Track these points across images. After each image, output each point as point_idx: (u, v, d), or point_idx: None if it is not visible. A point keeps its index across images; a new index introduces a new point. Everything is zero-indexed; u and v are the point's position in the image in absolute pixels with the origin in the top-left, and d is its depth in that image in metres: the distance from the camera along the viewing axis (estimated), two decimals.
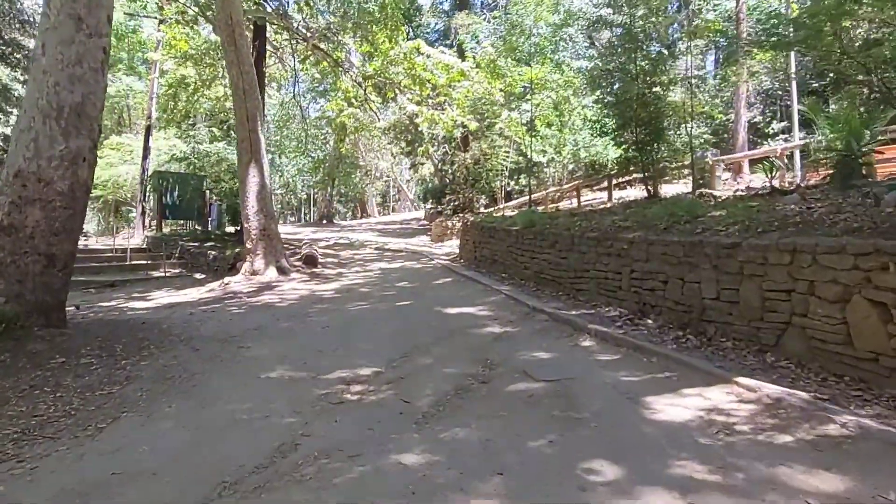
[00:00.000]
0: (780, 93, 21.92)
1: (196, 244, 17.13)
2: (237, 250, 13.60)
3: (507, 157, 19.12)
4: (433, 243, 20.61)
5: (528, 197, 17.36)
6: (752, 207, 6.20)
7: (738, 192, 9.08)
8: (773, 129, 21.02)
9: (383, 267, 13.55)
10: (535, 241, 9.66)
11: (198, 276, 15.03)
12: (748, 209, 6.11)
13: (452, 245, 18.94)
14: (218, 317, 8.06)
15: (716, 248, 5.37)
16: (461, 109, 18.43)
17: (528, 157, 15.35)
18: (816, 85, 17.39)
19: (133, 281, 14.16)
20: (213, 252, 15.28)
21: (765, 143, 20.47)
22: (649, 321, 6.25)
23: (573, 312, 7.03)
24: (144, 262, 16.88)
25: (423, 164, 39.58)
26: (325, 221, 38.03)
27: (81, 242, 21.28)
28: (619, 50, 10.68)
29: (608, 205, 12.47)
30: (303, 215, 54.49)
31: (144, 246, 19.32)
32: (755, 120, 21.41)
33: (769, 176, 8.93)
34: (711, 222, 6.03)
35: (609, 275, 7.36)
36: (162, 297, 11.07)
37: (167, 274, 15.12)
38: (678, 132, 10.75)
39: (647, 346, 5.23)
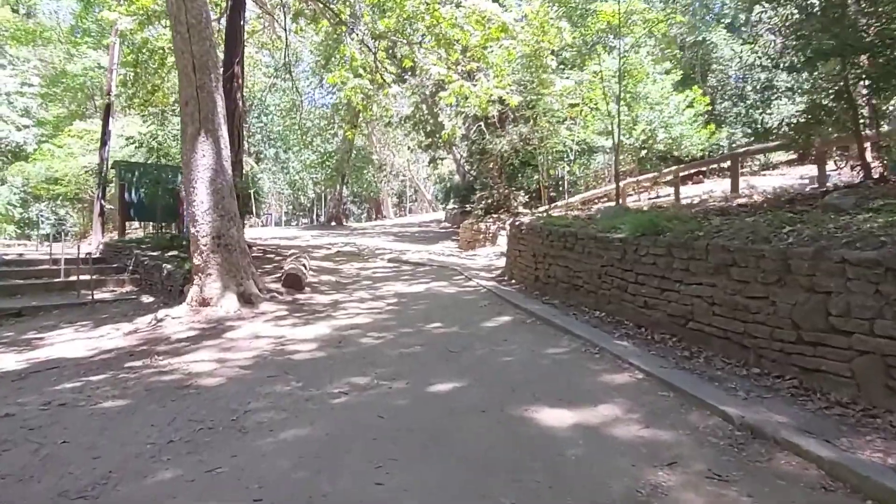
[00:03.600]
0: None
1: (155, 254, 13.08)
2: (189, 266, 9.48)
3: (572, 136, 14.67)
4: (462, 252, 16.38)
5: (593, 191, 13.03)
6: None
7: None
8: None
9: (400, 291, 9.32)
10: (668, 261, 5.39)
11: (146, 299, 11.03)
12: None
13: (488, 254, 14.70)
14: (56, 426, 3.87)
15: None
16: (499, 78, 14.14)
17: (616, 128, 11.02)
18: None
19: (53, 308, 10.16)
20: (170, 266, 11.18)
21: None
22: None
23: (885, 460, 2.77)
24: (91, 276, 12.89)
25: (443, 159, 35.58)
26: (333, 223, 33.95)
27: (13, 252, 17.42)
28: None
29: (739, 198, 8.13)
30: (315, 216, 50.62)
31: (97, 255, 15.35)
32: None
33: None
34: None
35: None
36: (54, 346, 7.00)
37: (101, 298, 11.11)
38: None
39: None
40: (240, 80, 13.56)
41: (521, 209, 18.05)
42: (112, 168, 17.39)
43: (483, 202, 18.60)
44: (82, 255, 15.60)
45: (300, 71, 34.08)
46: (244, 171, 30.65)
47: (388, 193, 51.52)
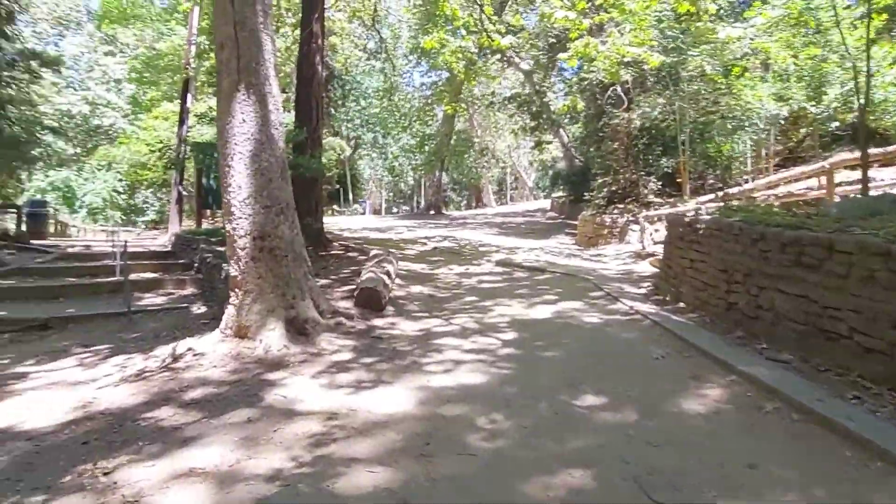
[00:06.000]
0: None
1: (223, 249, 11.08)
2: None
3: (760, 94, 10.90)
4: (582, 250, 13.36)
5: (786, 172, 9.46)
6: None
7: None
8: None
9: (518, 316, 6.50)
10: None
11: (197, 308, 8.96)
12: None
13: (618, 254, 11.61)
14: None
15: None
16: (635, 32, 10.79)
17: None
18: None
19: (87, 319, 8.21)
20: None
21: None
22: None
23: None
24: (152, 274, 11.24)
25: (549, 143, 32.43)
26: (432, 211, 31.71)
27: (82, 242, 16.30)
28: None
29: None
30: (415, 204, 48.89)
31: (169, 248, 13.74)
32: None
33: None
34: None
35: None
36: (24, 395, 4.87)
37: (150, 304, 9.22)
38: None
39: None
40: (320, 41, 11.23)
41: (651, 198, 14.73)
42: (191, 151, 15.88)
43: (605, 190, 15.42)
44: (155, 248, 14.20)
45: (399, 54, 31.97)
46: (339, 155, 29.14)
47: (488, 180, 48.85)
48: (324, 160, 13.35)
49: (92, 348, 6.54)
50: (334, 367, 4.85)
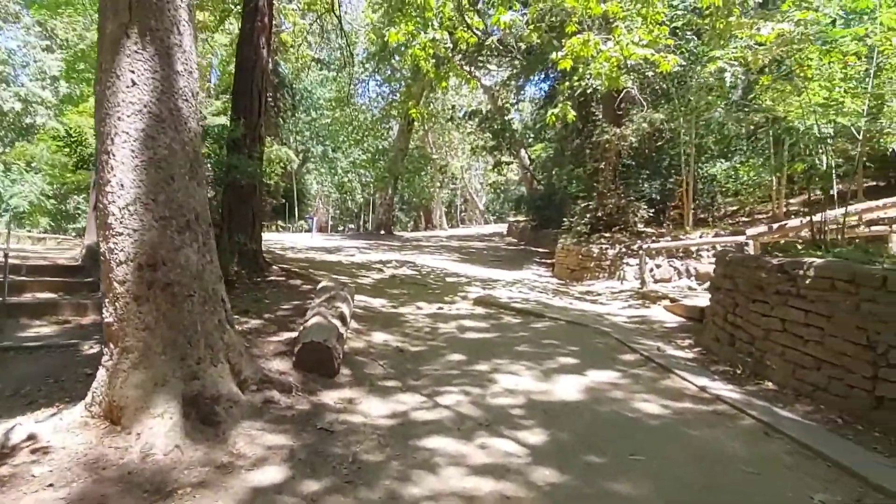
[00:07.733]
0: None
1: None
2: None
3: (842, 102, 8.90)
4: (565, 284, 11.62)
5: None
6: None
7: None
8: None
9: (540, 398, 4.47)
10: None
11: (89, 347, 6.52)
12: None
13: (613, 292, 9.90)
14: None
15: None
16: (647, 28, 8.99)
17: None
18: None
19: None
20: None
21: None
22: None
23: None
24: (50, 295, 8.64)
25: (509, 163, 31.03)
26: (382, 232, 29.55)
27: None
28: None
29: None
30: (361, 223, 46.53)
31: (79, 262, 11.10)
32: None
33: None
34: None
35: None
36: None
37: (33, 337, 6.78)
38: None
39: None
40: (266, 19, 9.16)
41: (640, 227, 13.25)
42: None
43: (587, 216, 13.78)
44: (63, 262, 11.51)
45: (355, 61, 30.05)
46: (287, 166, 26.71)
47: (440, 201, 47.14)
48: (268, 168, 11.23)
49: None
50: (254, 502, 2.77)
